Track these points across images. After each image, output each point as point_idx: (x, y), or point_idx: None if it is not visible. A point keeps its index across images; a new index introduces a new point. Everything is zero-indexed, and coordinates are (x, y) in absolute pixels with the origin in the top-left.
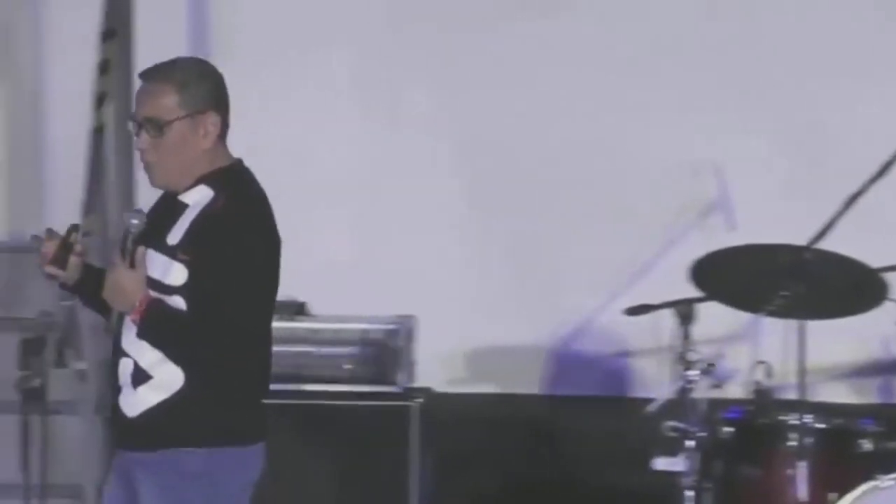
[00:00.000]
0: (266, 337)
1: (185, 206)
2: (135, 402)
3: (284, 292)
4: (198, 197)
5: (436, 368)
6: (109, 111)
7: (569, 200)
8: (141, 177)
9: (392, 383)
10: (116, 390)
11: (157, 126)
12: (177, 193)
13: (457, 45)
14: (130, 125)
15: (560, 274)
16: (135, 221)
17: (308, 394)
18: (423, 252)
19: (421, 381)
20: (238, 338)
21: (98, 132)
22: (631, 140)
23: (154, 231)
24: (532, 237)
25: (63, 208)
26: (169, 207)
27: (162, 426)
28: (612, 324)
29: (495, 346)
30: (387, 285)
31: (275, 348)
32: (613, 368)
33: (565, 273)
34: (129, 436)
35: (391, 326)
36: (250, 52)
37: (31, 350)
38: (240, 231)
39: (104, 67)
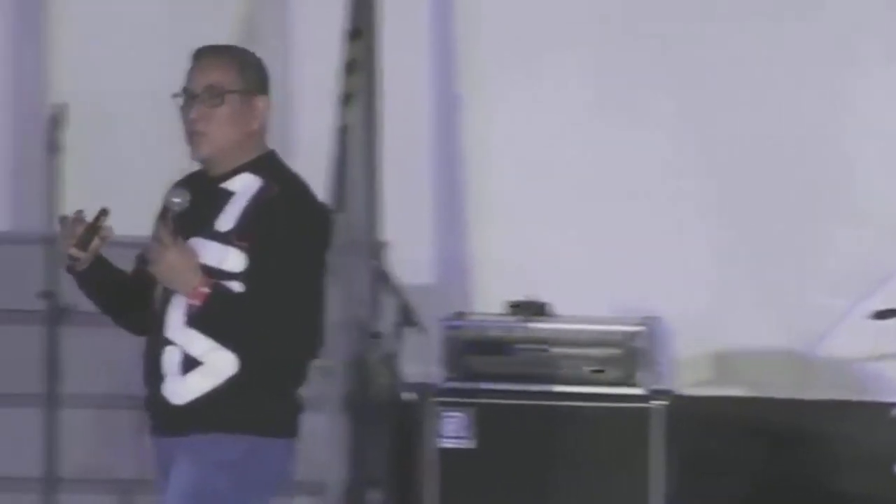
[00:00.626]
0: (320, 327)
1: (229, 194)
2: (183, 390)
3: (527, 292)
4: (243, 184)
5: (680, 370)
6: (355, 111)
7: (812, 201)
8: (387, 176)
9: (636, 385)
10: (157, 379)
11: (217, 94)
12: (211, 178)
13: (697, 43)
14: (181, 96)
15: (806, 276)
16: (178, 200)
17: (550, 395)
18: (666, 253)
19: (665, 383)
20: (296, 326)
21: (343, 132)
22: (872, 142)
23: (196, 218)
24: (777, 238)
25: None
26: (208, 195)
27: (209, 412)
28: (860, 327)
29: (741, 348)
30: (630, 286)
31: (518, 348)
32: (860, 372)
33: (811, 275)
34: (173, 422)
35: (635, 328)
36: (492, 53)
37: None
38: (300, 218)
39: (350, 67)
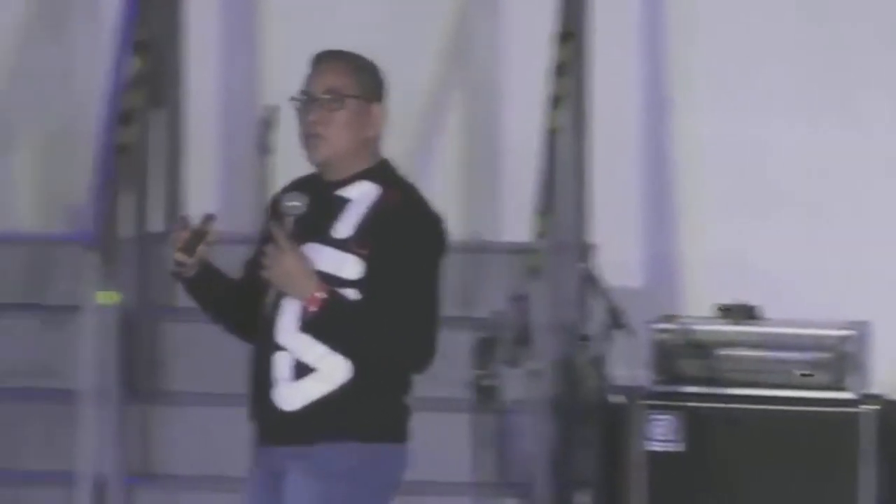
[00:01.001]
0: (436, 336)
1: (346, 201)
2: (294, 396)
3: (736, 296)
4: (360, 192)
5: (891, 375)
6: (564, 113)
7: None
8: (596, 178)
9: (845, 389)
10: (267, 385)
11: (338, 98)
12: (326, 183)
13: None
14: (299, 99)
15: None
16: (295, 204)
17: (759, 398)
18: (876, 256)
19: (876, 388)
20: (413, 334)
21: (553, 134)
22: None
23: (311, 224)
24: None
25: (519, 210)
26: (323, 201)
27: (322, 419)
28: None
29: None
30: (839, 290)
31: (727, 352)
32: None
33: None
34: (284, 430)
35: (846, 332)
36: (703, 54)
37: (485, 349)
38: (421, 227)
39: (560, 70)
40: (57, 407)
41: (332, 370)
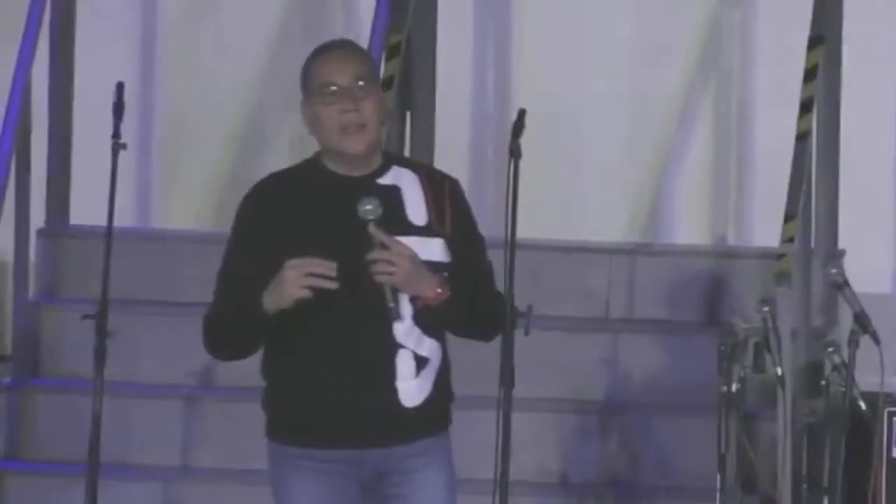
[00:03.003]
0: None
1: (395, 189)
2: (417, 392)
3: None
4: (399, 176)
5: None
6: (815, 118)
7: None
8: (845, 183)
9: None
10: (384, 385)
11: (368, 85)
12: (347, 176)
13: None
14: (330, 88)
15: None
16: (371, 207)
17: None
18: None
19: None
20: (501, 300)
21: (803, 139)
22: None
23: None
24: None
25: (767, 214)
26: (368, 193)
27: (437, 409)
28: None
29: None
30: None
31: None
32: None
33: None
34: (407, 428)
35: None
36: None
37: (730, 355)
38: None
39: (811, 74)
40: None
41: (436, 359)
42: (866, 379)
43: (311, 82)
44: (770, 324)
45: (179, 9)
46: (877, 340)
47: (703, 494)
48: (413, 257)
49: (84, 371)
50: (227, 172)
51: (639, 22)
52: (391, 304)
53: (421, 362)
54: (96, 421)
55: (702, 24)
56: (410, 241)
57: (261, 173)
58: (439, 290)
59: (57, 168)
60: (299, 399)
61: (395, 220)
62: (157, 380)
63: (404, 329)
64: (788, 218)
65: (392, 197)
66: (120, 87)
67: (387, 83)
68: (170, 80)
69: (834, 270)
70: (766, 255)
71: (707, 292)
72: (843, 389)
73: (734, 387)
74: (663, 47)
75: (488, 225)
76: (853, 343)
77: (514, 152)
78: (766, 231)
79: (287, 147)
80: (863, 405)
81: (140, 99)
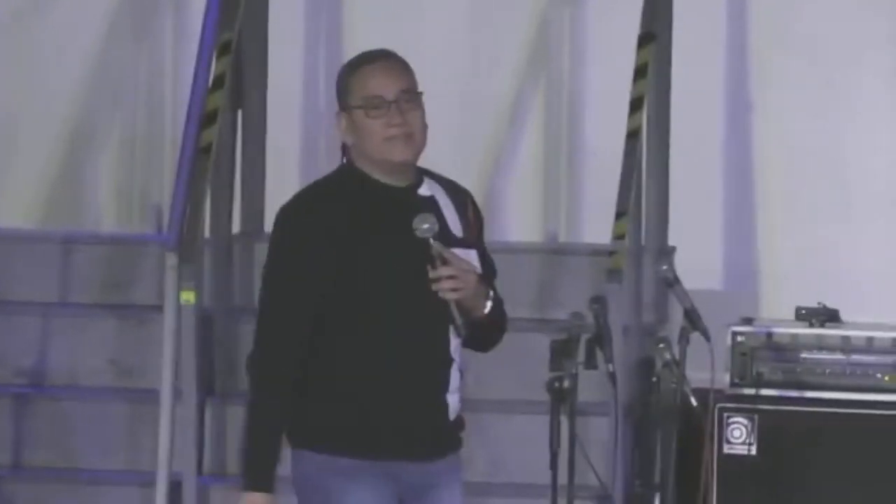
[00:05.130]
0: None
1: (433, 200)
2: (456, 404)
3: (816, 299)
4: (430, 188)
5: None
6: (645, 116)
7: None
8: (675, 180)
9: None
10: (433, 400)
11: (414, 97)
12: (389, 186)
13: None
14: (375, 102)
15: None
16: (427, 226)
17: (839, 402)
18: None
19: None
20: (504, 317)
21: (634, 136)
22: None
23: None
24: None
25: (597, 211)
26: (408, 204)
27: (461, 423)
28: None
29: None
30: None
31: (806, 355)
32: None
33: None
34: (445, 441)
35: None
36: (784, 58)
37: (562, 351)
38: None
39: (641, 72)
40: (136, 406)
41: (462, 371)
42: (697, 375)
43: (353, 94)
44: (601, 320)
45: (9, 8)
46: (707, 337)
47: (536, 491)
48: (476, 275)
49: None
50: (56, 171)
51: (469, 21)
52: (459, 321)
53: (461, 375)
54: None
55: (532, 22)
56: (459, 254)
57: (91, 172)
58: (489, 304)
59: None
60: (360, 411)
61: (442, 233)
62: None
63: (455, 342)
64: (619, 215)
65: (434, 208)
66: None
67: (217, 82)
68: (0, 78)
69: (665, 267)
70: (597, 251)
71: (539, 289)
72: (674, 386)
73: (566, 383)
74: (493, 46)
75: None
76: (684, 339)
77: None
78: (597, 228)
79: (117, 146)
80: (694, 401)
81: None
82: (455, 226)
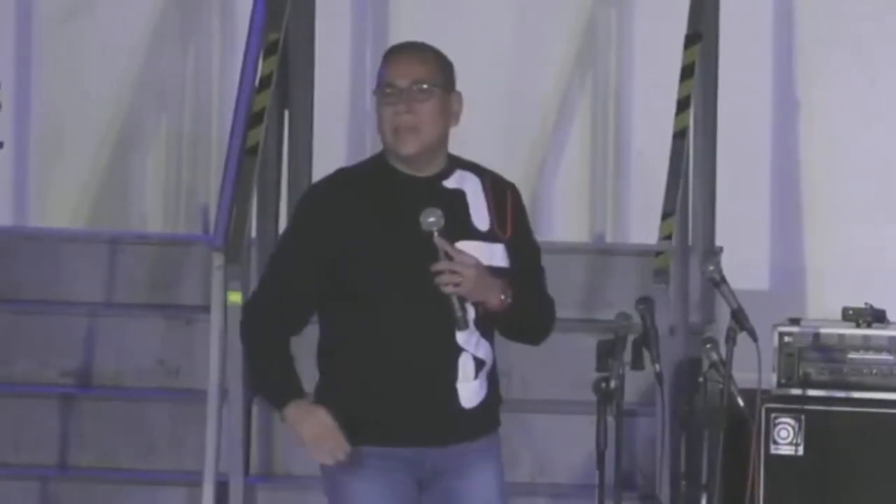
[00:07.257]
0: None
1: (460, 193)
2: (474, 393)
3: (863, 299)
4: (463, 180)
5: None
6: (693, 116)
7: None
8: (723, 180)
9: None
10: (450, 386)
11: (426, 88)
12: (413, 178)
13: None
14: (383, 92)
15: None
16: (432, 219)
17: (887, 402)
18: None
19: None
20: (550, 310)
21: (681, 136)
22: None
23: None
24: None
25: (644, 212)
26: (434, 195)
27: (493, 409)
28: None
29: None
30: None
31: (853, 356)
32: None
33: None
34: (465, 427)
35: None
36: (833, 56)
37: (608, 352)
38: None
39: (688, 72)
40: (183, 406)
41: (490, 361)
42: (743, 376)
43: (377, 80)
44: (648, 321)
45: (56, 8)
46: (754, 337)
47: (582, 492)
48: (478, 266)
49: None
50: (103, 172)
51: (517, 21)
52: (458, 314)
53: (479, 364)
54: None
55: (578, 22)
56: (474, 246)
57: (138, 172)
58: (503, 297)
59: None
60: (364, 398)
61: (460, 225)
62: (32, 379)
63: (465, 333)
64: (666, 215)
65: (457, 201)
66: None
67: (264, 82)
68: (46, 79)
69: (711, 267)
70: (644, 252)
71: (586, 289)
72: (721, 386)
73: (613, 383)
74: (540, 46)
75: None
76: (730, 340)
77: None
78: (643, 228)
79: (164, 147)
80: (740, 402)
81: (16, 99)
82: (482, 219)
